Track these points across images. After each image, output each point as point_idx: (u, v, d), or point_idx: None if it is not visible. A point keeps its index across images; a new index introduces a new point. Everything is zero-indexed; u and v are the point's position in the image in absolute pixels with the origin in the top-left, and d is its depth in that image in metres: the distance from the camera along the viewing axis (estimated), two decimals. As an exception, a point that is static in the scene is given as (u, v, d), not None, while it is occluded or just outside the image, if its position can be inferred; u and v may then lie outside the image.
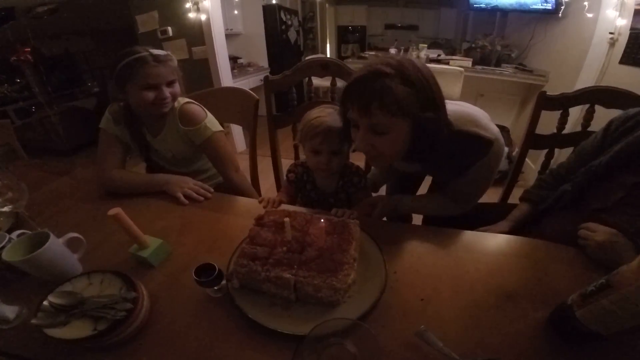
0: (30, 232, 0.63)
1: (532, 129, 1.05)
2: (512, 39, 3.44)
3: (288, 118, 1.16)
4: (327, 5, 5.46)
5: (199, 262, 0.55)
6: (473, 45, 3.18)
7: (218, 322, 0.52)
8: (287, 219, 0.56)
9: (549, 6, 2.58)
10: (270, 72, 4.01)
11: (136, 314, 0.50)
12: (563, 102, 1.01)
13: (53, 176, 1.07)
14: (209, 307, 0.55)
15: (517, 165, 1.12)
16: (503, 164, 1.28)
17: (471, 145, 0.70)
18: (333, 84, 1.14)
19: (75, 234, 0.65)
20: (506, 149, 1.01)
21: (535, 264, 0.63)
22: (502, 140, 0.73)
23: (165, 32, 3.00)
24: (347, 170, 0.91)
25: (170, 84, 0.93)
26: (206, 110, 1.02)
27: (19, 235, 0.67)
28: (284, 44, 4.05)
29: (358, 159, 0.93)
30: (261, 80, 3.92)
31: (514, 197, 1.06)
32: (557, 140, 1.05)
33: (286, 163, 1.10)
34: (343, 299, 0.52)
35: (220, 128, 1.02)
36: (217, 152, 1.02)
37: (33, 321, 0.51)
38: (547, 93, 1.02)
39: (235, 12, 2.94)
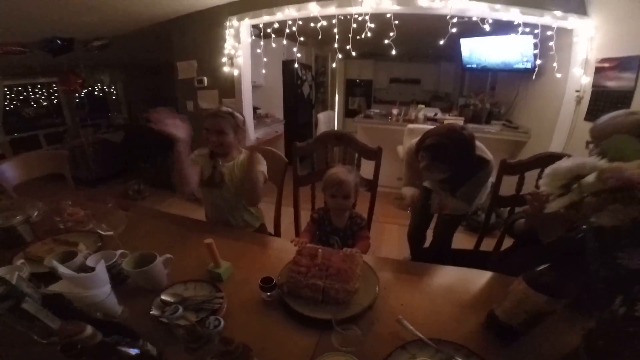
0: (140, 252, 0.93)
1: (496, 190, 1.36)
2: (500, 95, 3.85)
3: (309, 178, 1.52)
4: (337, 60, 6.07)
5: (252, 279, 0.86)
6: (466, 102, 3.59)
7: (271, 315, 0.81)
8: (320, 250, 0.87)
9: (528, 65, 2.93)
10: (285, 124, 4.44)
11: (223, 306, 0.79)
12: (519, 168, 1.33)
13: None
14: (263, 306, 0.84)
15: (486, 220, 1.44)
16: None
17: (479, 163, 1.29)
18: (345, 152, 1.51)
19: (169, 255, 0.95)
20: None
21: (491, 290, 0.92)
22: (493, 162, 1.31)
23: (201, 81, 3.39)
24: (353, 214, 1.30)
25: (220, 132, 1.32)
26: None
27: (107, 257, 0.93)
28: (299, 97, 4.51)
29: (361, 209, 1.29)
30: (277, 131, 4.30)
31: (487, 245, 1.40)
32: (516, 200, 1.36)
33: (304, 214, 1.51)
34: (351, 300, 0.82)
35: (264, 169, 1.37)
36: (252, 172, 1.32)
37: (152, 312, 0.80)
38: (508, 161, 1.35)
39: (263, 70, 3.35)
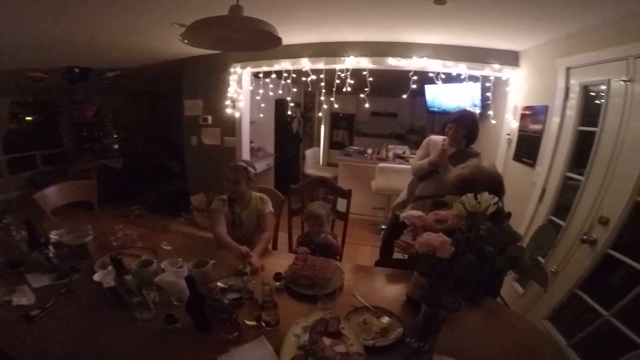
0: (197, 259, 1.43)
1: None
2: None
3: (299, 211, 2.09)
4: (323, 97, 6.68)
5: (268, 275, 1.39)
6: (430, 141, 4.23)
7: (282, 294, 1.33)
8: (310, 256, 1.43)
9: (477, 110, 3.41)
10: (275, 158, 4.91)
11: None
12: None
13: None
14: (276, 290, 1.35)
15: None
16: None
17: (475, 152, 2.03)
18: (326, 192, 2.08)
19: (214, 261, 1.46)
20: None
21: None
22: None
23: (205, 119, 3.81)
24: (328, 235, 1.85)
25: (236, 183, 1.81)
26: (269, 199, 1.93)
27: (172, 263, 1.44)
28: (288, 133, 5.06)
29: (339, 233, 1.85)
30: (268, 164, 4.81)
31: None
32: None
33: (295, 233, 2.06)
34: (328, 284, 1.36)
35: (272, 209, 1.92)
36: (265, 218, 1.88)
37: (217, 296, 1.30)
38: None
39: (261, 106, 3.80)
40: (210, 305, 1.02)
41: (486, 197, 0.83)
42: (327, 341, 1.01)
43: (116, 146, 6.22)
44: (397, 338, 1.06)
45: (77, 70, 3.99)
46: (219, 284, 1.31)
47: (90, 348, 1.03)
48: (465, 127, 2.05)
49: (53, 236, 1.72)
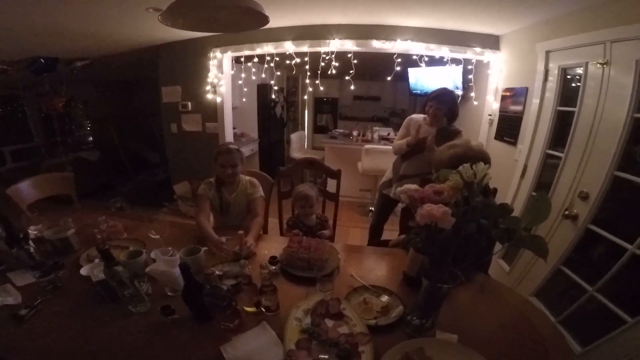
0: (187, 247, 1.40)
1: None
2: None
3: (289, 193, 2.05)
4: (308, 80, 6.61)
5: (264, 258, 1.37)
6: (414, 123, 4.29)
7: (278, 278, 1.32)
8: (304, 237, 1.42)
9: (460, 92, 3.44)
10: (259, 143, 4.87)
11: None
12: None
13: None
14: (272, 274, 1.34)
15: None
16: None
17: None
18: (315, 173, 2.06)
19: (205, 247, 1.43)
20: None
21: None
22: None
23: (185, 106, 3.70)
24: (319, 216, 1.87)
25: (234, 166, 1.77)
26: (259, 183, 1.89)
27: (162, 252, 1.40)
28: (272, 117, 5.01)
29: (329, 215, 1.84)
30: (252, 150, 4.75)
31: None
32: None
33: (285, 217, 2.04)
34: (325, 265, 1.36)
35: (262, 193, 1.88)
36: (256, 203, 1.84)
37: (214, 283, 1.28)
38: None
39: (243, 92, 3.75)
40: (208, 293, 1.00)
41: (482, 167, 0.85)
42: (329, 323, 1.02)
43: (90, 138, 5.95)
44: (399, 316, 1.08)
45: (42, 60, 3.75)
46: (216, 271, 1.29)
47: (87, 345, 0.99)
48: (445, 104, 2.07)
49: (32, 232, 1.63)
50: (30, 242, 1.44)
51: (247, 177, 1.89)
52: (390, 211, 2.56)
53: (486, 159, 1.32)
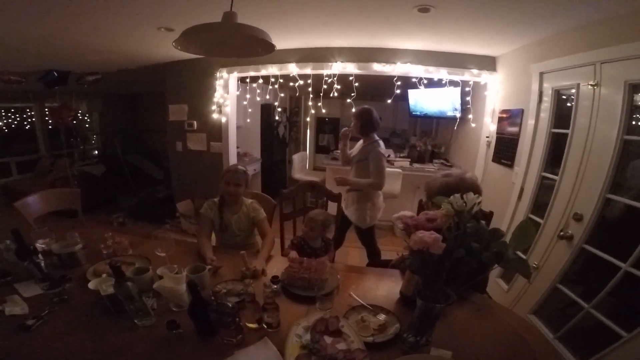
0: (193, 265, 1.44)
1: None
2: (441, 137, 4.65)
3: (290, 215, 2.13)
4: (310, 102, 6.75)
5: (267, 277, 1.41)
6: (413, 144, 4.38)
7: (279, 297, 1.35)
8: (305, 259, 1.45)
9: (458, 114, 3.63)
10: (262, 163, 4.89)
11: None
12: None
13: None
14: (275, 293, 1.38)
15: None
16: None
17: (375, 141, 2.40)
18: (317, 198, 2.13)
19: (210, 266, 1.47)
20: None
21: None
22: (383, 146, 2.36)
23: (191, 125, 3.75)
24: (325, 239, 1.88)
25: (237, 185, 1.83)
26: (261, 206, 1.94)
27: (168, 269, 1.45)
28: (274, 137, 5.07)
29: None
30: (255, 169, 4.82)
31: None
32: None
33: (287, 238, 2.08)
34: (325, 285, 1.40)
35: (265, 215, 1.93)
36: (263, 224, 1.90)
37: (220, 300, 1.32)
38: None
39: (248, 111, 3.78)
40: (214, 309, 1.04)
41: (471, 197, 0.90)
42: (328, 339, 1.05)
43: (96, 152, 6.04)
44: (395, 334, 1.12)
45: (55, 73, 3.88)
46: (218, 287, 1.34)
47: (93, 357, 1.02)
48: (359, 119, 2.50)
49: (40, 245, 1.68)
50: (40, 255, 1.49)
51: (249, 200, 1.95)
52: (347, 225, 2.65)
53: (476, 191, 1.38)
